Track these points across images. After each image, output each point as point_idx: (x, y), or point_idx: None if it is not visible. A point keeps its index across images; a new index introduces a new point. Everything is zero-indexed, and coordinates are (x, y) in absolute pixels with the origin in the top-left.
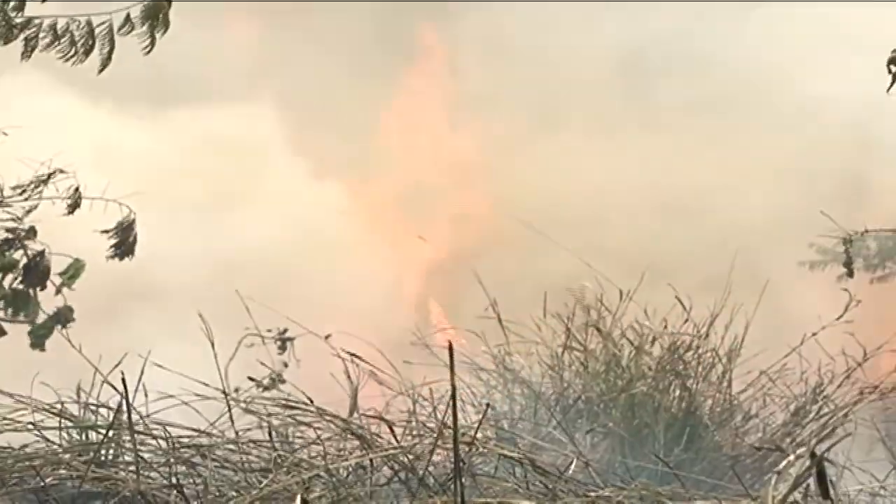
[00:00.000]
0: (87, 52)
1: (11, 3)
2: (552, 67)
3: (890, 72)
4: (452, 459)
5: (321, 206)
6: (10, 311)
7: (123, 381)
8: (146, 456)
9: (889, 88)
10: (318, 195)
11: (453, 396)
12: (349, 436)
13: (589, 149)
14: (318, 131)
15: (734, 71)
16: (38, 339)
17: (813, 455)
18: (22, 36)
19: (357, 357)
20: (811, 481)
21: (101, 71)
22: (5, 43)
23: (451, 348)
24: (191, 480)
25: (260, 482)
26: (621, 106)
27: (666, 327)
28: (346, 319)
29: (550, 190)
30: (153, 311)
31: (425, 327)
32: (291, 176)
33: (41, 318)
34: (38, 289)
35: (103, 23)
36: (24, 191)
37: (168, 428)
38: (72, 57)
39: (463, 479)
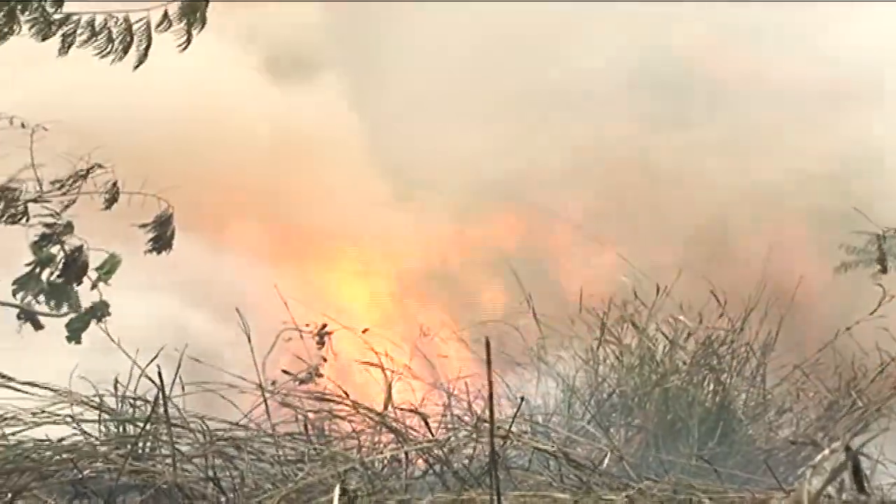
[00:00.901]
0: (126, 49)
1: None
2: None
3: None
4: (487, 453)
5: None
6: (51, 304)
7: (160, 374)
8: (183, 449)
9: None
10: None
11: (490, 390)
12: (384, 429)
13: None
14: None
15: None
16: (74, 332)
17: (848, 449)
18: (60, 32)
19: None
20: (845, 476)
21: (136, 67)
22: (43, 39)
23: (487, 343)
24: (227, 473)
25: (296, 475)
26: None
27: (701, 322)
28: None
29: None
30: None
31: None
32: None
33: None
34: (76, 283)
35: (141, 19)
36: (62, 186)
37: (205, 421)
38: (109, 53)
39: (498, 473)
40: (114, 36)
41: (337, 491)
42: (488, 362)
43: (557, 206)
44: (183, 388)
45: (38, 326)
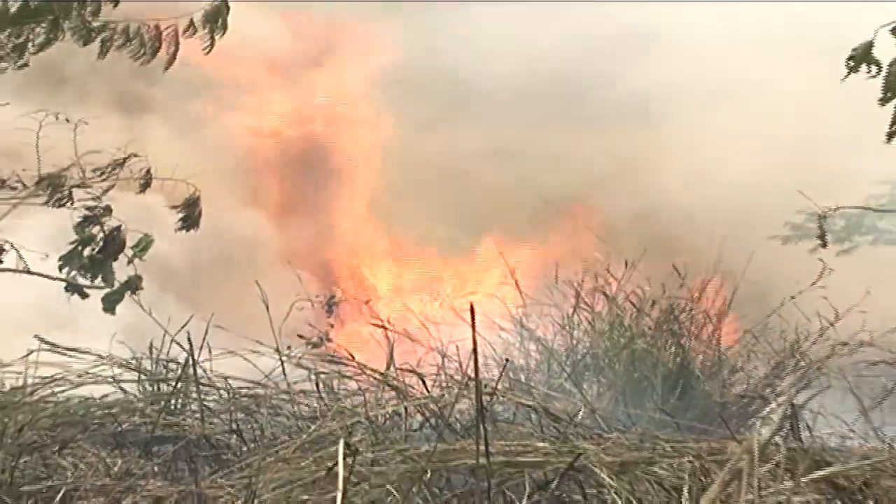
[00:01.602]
0: (155, 53)
1: (89, 9)
2: None
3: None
4: (476, 407)
5: None
6: (89, 277)
7: (189, 339)
8: (210, 405)
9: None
10: None
11: (475, 351)
12: (386, 388)
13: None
14: None
15: None
16: (110, 304)
17: (792, 404)
18: (98, 38)
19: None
20: (790, 428)
21: (166, 69)
22: (84, 44)
23: (472, 310)
24: (248, 426)
25: (309, 427)
26: None
27: (664, 292)
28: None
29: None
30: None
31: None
32: None
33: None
34: (113, 259)
35: (169, 26)
36: (102, 173)
37: (229, 380)
38: (141, 56)
39: (485, 425)
40: (145, 41)
41: (342, 444)
42: (473, 326)
43: None
44: (210, 352)
45: (83, 296)
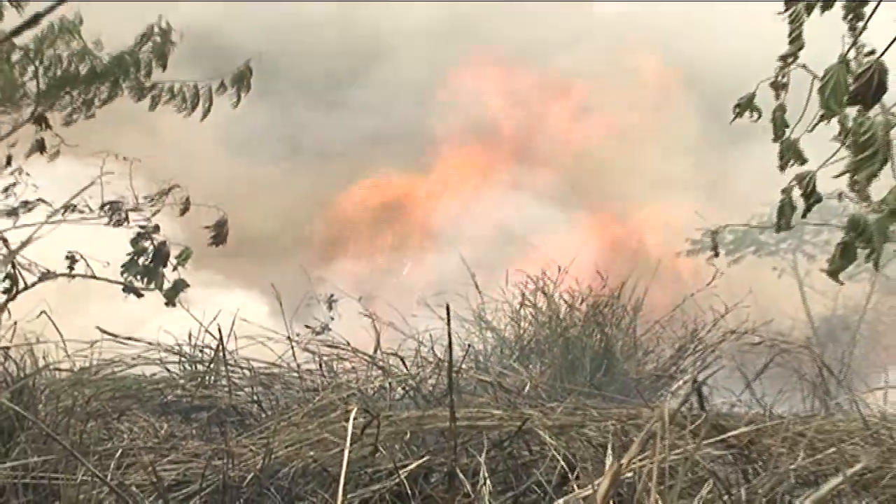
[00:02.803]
0: (194, 107)
1: (143, 72)
2: None
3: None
4: (446, 382)
5: None
6: (144, 280)
7: (220, 329)
8: (236, 381)
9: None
10: None
11: (449, 340)
12: (374, 367)
13: None
14: None
15: None
16: (170, 299)
17: (694, 380)
18: (149, 95)
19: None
20: (692, 398)
21: (202, 118)
22: (138, 101)
23: (448, 308)
24: (266, 398)
25: (313, 398)
26: None
27: (591, 291)
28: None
29: None
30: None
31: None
32: None
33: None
34: (162, 267)
35: (205, 86)
36: (151, 200)
37: (250, 361)
38: (183, 110)
39: (452, 396)
40: (186, 98)
41: (347, 410)
42: (448, 322)
43: None
44: (236, 339)
45: (139, 295)
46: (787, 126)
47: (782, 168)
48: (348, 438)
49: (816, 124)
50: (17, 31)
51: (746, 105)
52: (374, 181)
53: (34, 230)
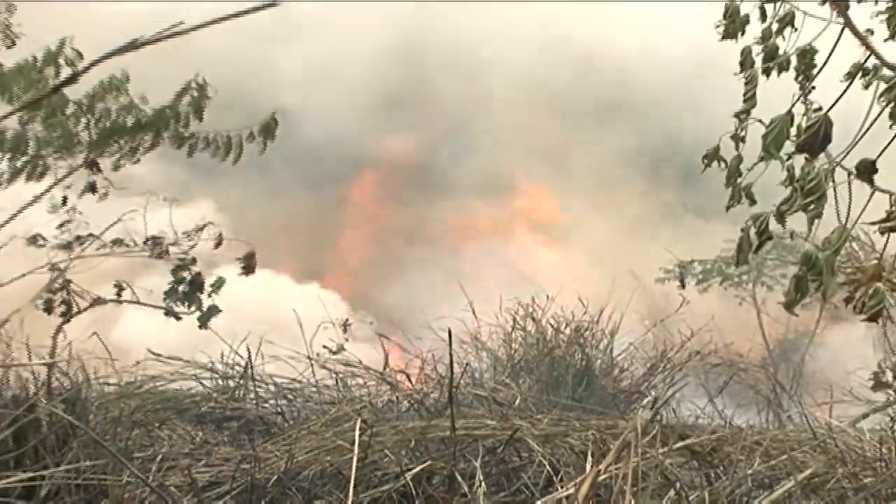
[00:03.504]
0: (227, 153)
1: (181, 123)
2: None
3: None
4: (446, 397)
5: None
6: (185, 304)
7: (248, 349)
8: (262, 394)
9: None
10: None
11: (451, 360)
12: (383, 383)
13: None
14: None
15: None
16: (203, 322)
17: (655, 400)
18: (187, 143)
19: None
20: (663, 410)
21: (234, 163)
22: (178, 149)
23: (450, 333)
24: (288, 409)
25: (330, 410)
26: None
27: (573, 317)
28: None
29: None
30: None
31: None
32: None
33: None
34: (198, 293)
35: (237, 135)
36: (189, 235)
37: (275, 378)
38: (217, 156)
39: (453, 408)
40: (220, 146)
41: (359, 422)
42: (450, 343)
43: None
44: (262, 358)
45: (178, 318)
46: (741, 174)
47: (728, 208)
48: (356, 445)
49: (756, 165)
50: (69, 81)
51: (713, 156)
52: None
53: (73, 258)
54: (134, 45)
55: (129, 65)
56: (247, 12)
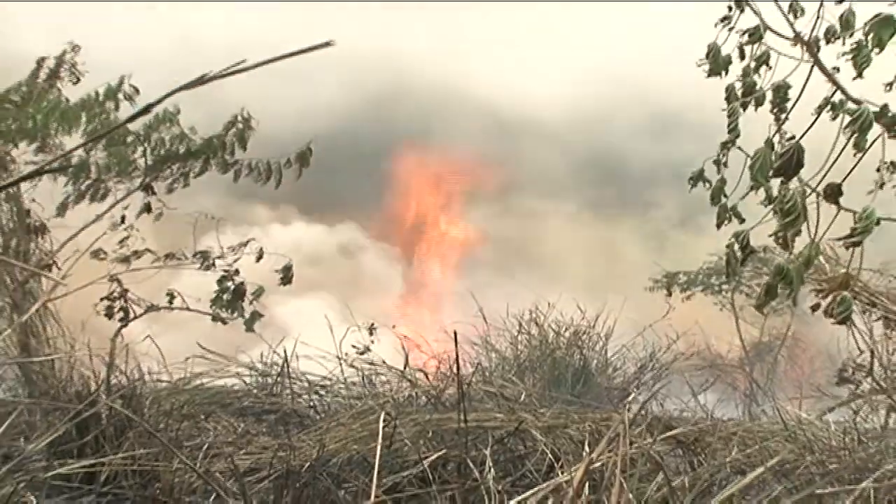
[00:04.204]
0: (268, 179)
1: (227, 151)
2: None
3: (689, 183)
4: (458, 393)
5: None
6: (229, 311)
7: (284, 350)
8: (296, 390)
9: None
10: None
11: (457, 360)
12: (404, 380)
13: None
14: None
15: None
16: (249, 326)
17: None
18: (232, 170)
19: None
20: (650, 405)
21: (276, 187)
22: (223, 174)
23: (455, 335)
24: (320, 403)
25: (357, 404)
26: None
27: (573, 321)
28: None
29: None
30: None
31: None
32: None
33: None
34: (240, 301)
35: (277, 162)
36: (233, 249)
37: (308, 375)
38: (258, 181)
39: (464, 403)
40: (262, 171)
41: (383, 414)
42: (455, 344)
43: None
44: (297, 358)
45: (224, 323)
46: (726, 196)
47: (718, 226)
48: (380, 436)
49: (747, 193)
50: (133, 118)
51: (698, 178)
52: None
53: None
54: (201, 81)
55: (182, 102)
56: (302, 52)
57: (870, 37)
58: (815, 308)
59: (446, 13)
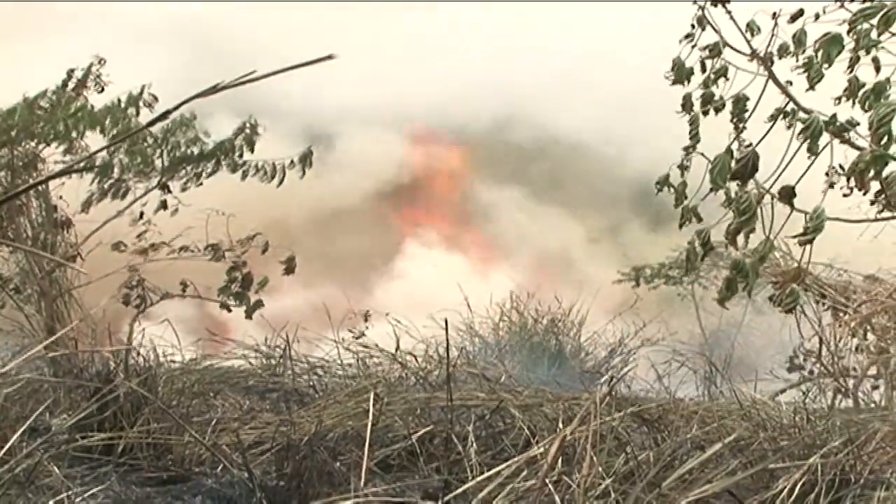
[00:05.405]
0: (272, 178)
1: (237, 153)
2: None
3: (656, 188)
4: (445, 374)
5: None
6: (234, 300)
7: (287, 336)
8: (297, 371)
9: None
10: None
11: (447, 344)
12: (395, 362)
13: None
14: None
15: None
16: (250, 314)
17: (611, 378)
18: (241, 170)
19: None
20: (618, 386)
21: (278, 186)
22: (233, 173)
23: (446, 322)
24: (320, 383)
25: (352, 384)
26: None
27: (549, 310)
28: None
29: None
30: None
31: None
32: None
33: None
34: (247, 290)
35: (282, 161)
36: (241, 242)
37: (308, 357)
38: (265, 180)
39: (451, 384)
40: (267, 172)
41: (372, 395)
42: (446, 330)
43: None
44: (298, 342)
45: (229, 310)
46: (687, 197)
47: (680, 226)
48: (371, 413)
49: (706, 196)
50: (152, 123)
51: (664, 182)
52: None
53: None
54: (214, 90)
55: (197, 108)
56: (308, 63)
57: (819, 53)
58: (771, 299)
59: None
